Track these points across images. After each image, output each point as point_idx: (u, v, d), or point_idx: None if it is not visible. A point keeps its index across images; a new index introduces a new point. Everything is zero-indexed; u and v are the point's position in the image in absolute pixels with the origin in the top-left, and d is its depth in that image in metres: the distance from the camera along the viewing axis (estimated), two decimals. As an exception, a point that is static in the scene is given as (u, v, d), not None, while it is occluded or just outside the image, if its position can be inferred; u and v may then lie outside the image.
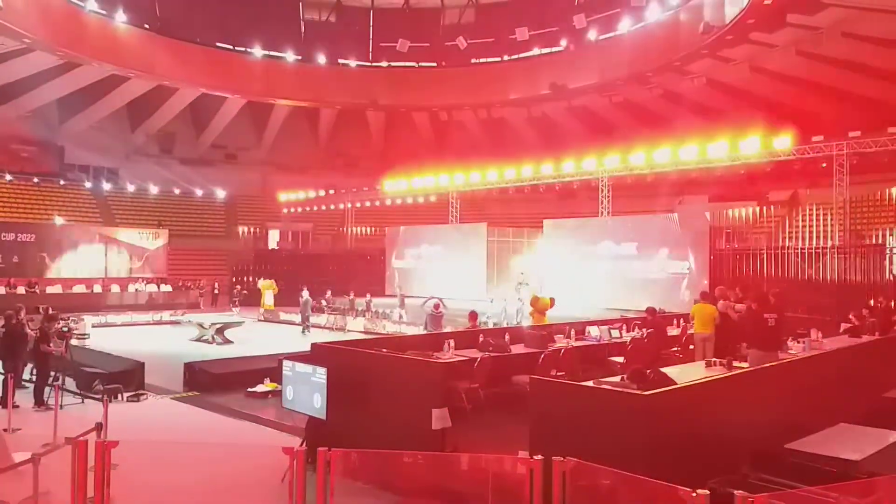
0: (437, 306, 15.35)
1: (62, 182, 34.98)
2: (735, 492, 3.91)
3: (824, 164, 22.58)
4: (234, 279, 30.25)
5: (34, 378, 10.96)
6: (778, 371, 7.31)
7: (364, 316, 22.43)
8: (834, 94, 26.51)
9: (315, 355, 7.91)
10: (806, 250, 21.38)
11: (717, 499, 3.97)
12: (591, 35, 32.24)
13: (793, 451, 6.05)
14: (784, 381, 7.16)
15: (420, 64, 37.47)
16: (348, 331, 21.50)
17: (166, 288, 27.89)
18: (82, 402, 10.62)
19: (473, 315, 12.72)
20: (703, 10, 26.16)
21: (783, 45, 25.82)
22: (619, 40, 31.40)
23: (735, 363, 7.91)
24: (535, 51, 34.71)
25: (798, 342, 9.36)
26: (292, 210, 38.13)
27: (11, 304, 12.29)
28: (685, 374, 7.24)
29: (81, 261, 28.21)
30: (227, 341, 18.42)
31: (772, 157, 23.05)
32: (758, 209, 28.00)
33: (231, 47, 36.29)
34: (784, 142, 22.51)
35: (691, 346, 11.53)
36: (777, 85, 27.94)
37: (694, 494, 3.86)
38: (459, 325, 15.58)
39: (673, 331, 12.77)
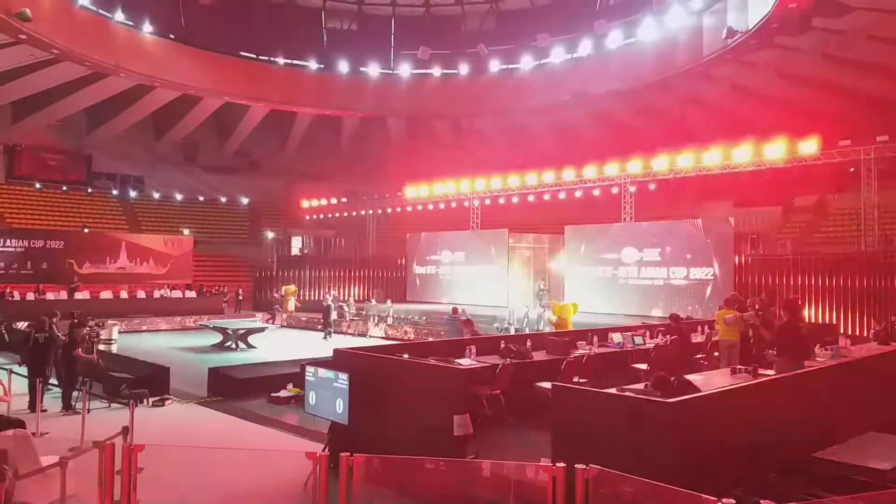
0: (455, 311, 15.31)
1: (90, 190, 35.62)
2: (761, 501, 3.86)
3: (852, 169, 22.21)
4: (273, 289, 29.67)
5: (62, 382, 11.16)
6: (805, 379, 7.19)
7: (385, 321, 22.52)
8: (861, 97, 26.10)
9: (337, 361, 7.94)
10: (833, 256, 21.03)
11: (742, 508, 3.93)
12: (613, 41, 32.09)
13: (820, 459, 5.95)
14: (811, 388, 7.04)
15: (441, 71, 37.60)
16: (370, 336, 21.60)
17: (191, 294, 28.19)
18: (109, 406, 10.78)
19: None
20: (727, 15, 25.95)
21: (808, 49, 25.49)
22: (641, 46, 31.19)
23: (761, 370, 7.80)
24: (556, 57, 34.63)
25: (826, 349, 9.20)
26: (315, 217, 38.42)
27: (48, 311, 12.45)
28: (710, 381, 7.15)
29: (108, 267, 28.63)
30: (251, 347, 18.59)
31: (797, 162, 22.73)
32: (783, 214, 27.65)
33: (254, 56, 36.72)
34: (810, 146, 22.19)
35: (716, 353, 11.39)
36: (803, 89, 27.57)
37: None
38: (480, 332, 15.55)
39: (697, 337, 12.64)
